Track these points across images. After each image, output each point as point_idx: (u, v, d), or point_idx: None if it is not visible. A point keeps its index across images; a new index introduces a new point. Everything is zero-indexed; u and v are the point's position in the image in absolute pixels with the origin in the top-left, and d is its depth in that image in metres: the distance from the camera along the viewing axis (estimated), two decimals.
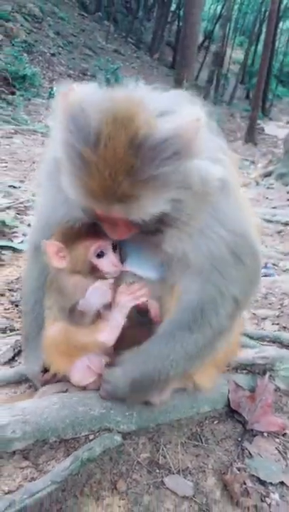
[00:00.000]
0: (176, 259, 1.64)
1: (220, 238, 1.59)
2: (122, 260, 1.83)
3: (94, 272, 1.79)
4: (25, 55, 18.24)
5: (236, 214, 1.66)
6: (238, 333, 1.99)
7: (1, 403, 1.85)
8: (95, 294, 1.77)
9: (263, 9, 35.62)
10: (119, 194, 1.32)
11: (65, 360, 1.79)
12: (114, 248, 1.81)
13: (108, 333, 1.74)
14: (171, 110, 1.36)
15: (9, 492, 1.50)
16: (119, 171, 1.28)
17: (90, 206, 1.43)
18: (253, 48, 40.24)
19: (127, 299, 1.78)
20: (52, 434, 1.69)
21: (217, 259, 1.61)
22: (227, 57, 39.57)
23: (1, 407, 1.67)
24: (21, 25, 21.06)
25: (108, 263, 1.77)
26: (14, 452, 1.65)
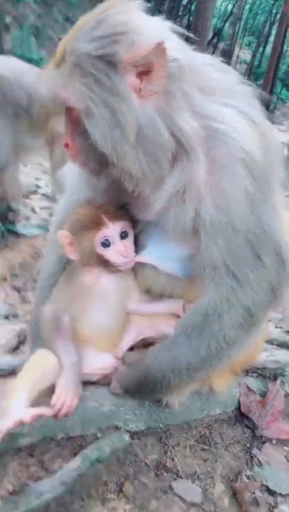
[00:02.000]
0: (198, 251, 1.47)
1: (235, 225, 1.39)
2: (138, 250, 1.70)
3: (104, 264, 1.69)
4: (33, 38, 17.95)
5: (262, 202, 1.42)
6: (260, 339, 1.88)
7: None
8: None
9: (274, 11, 35.39)
10: (56, 60, 1.32)
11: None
12: (123, 236, 1.68)
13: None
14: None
15: (14, 492, 1.42)
16: (65, 39, 1.30)
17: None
18: (261, 49, 40.07)
19: (141, 331, 1.72)
20: (60, 430, 1.61)
21: (231, 253, 1.42)
22: (234, 56, 39.39)
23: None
24: (31, 8, 20.73)
25: (115, 253, 1.65)
26: (19, 449, 1.56)
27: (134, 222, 1.70)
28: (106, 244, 1.64)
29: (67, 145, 1.43)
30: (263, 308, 1.54)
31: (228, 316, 1.49)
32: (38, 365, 1.59)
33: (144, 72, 1.24)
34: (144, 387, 1.64)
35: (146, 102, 1.28)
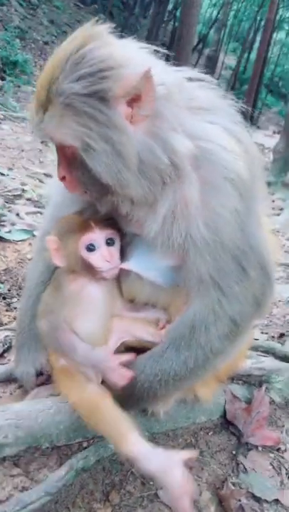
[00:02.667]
0: (184, 264, 1.50)
1: (224, 242, 1.41)
2: (124, 258, 1.70)
3: (89, 270, 1.67)
4: (17, 40, 17.84)
5: (248, 218, 1.46)
6: (244, 347, 1.90)
7: None
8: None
9: (258, 18, 35.83)
10: (41, 102, 1.29)
11: None
12: (109, 243, 1.67)
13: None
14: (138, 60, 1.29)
15: None
16: (47, 79, 1.27)
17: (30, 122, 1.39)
18: (245, 55, 40.53)
19: (120, 335, 1.69)
20: (45, 440, 1.59)
21: (218, 268, 1.45)
22: (220, 62, 39.74)
23: None
24: (16, 10, 20.62)
25: (99, 257, 1.63)
26: (4, 458, 1.54)
27: (120, 233, 1.70)
28: (91, 248, 1.62)
29: (63, 178, 1.44)
30: (248, 319, 1.58)
31: (215, 327, 1.51)
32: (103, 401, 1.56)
33: (134, 99, 1.26)
34: (130, 397, 1.64)
35: (139, 127, 1.30)
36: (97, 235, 1.62)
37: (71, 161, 1.38)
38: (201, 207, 1.38)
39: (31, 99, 1.37)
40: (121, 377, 1.58)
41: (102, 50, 1.25)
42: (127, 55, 1.28)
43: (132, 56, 1.30)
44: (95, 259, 1.63)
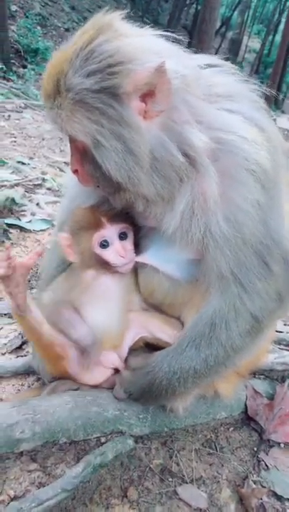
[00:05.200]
0: (203, 259, 1.45)
1: (245, 237, 1.35)
2: (140, 252, 1.67)
3: (103, 265, 1.66)
4: (38, 28, 17.85)
5: (271, 210, 1.39)
6: (266, 342, 1.84)
7: (9, 398, 1.74)
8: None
9: None
10: (49, 92, 1.26)
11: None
12: (123, 237, 1.65)
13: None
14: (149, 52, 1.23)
15: (15, 497, 1.39)
16: (55, 71, 1.23)
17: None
18: (270, 37, 39.50)
19: (138, 330, 1.69)
20: (62, 435, 1.57)
21: (239, 263, 1.39)
22: (243, 45, 38.87)
23: (10, 404, 1.55)
24: None
25: (113, 253, 1.62)
26: (22, 453, 1.53)
27: (135, 225, 1.67)
28: (104, 245, 1.62)
29: (76, 171, 1.41)
30: (271, 315, 1.51)
31: (236, 324, 1.46)
32: None
33: (148, 94, 1.21)
34: (148, 394, 1.61)
35: (153, 123, 1.25)
36: (110, 231, 1.61)
37: (83, 155, 1.34)
38: (221, 201, 1.32)
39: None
40: (100, 374, 1.72)
41: (111, 43, 1.20)
42: (140, 47, 1.22)
43: (145, 48, 1.24)
44: (109, 255, 1.62)
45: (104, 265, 1.64)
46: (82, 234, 1.61)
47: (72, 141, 1.35)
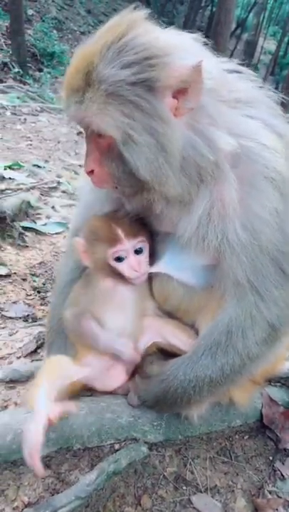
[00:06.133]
0: (219, 266, 1.43)
1: (262, 245, 1.34)
2: (154, 261, 1.66)
3: (117, 276, 1.66)
4: (54, 31, 17.98)
5: (288, 218, 1.38)
6: (283, 350, 1.81)
7: (24, 403, 1.74)
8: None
9: None
10: (76, 87, 1.21)
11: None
12: (138, 251, 1.64)
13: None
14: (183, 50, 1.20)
15: (29, 504, 1.39)
16: (83, 65, 1.20)
17: (63, 105, 1.30)
18: (286, 39, 39.22)
19: (152, 335, 1.68)
20: (76, 441, 1.57)
21: (256, 271, 1.37)
22: (259, 47, 38.65)
23: (25, 410, 1.55)
24: (53, 1, 20.75)
25: (128, 268, 1.62)
26: None
27: (151, 234, 1.66)
28: (119, 259, 1.62)
29: (91, 172, 1.36)
30: (287, 324, 1.49)
31: (252, 332, 1.44)
32: (56, 364, 1.63)
33: (181, 91, 1.19)
34: (163, 402, 1.59)
35: (181, 121, 1.23)
36: (126, 246, 1.60)
37: (104, 153, 1.30)
38: (239, 208, 1.31)
39: (62, 84, 1.30)
40: (115, 379, 1.71)
41: (144, 37, 1.18)
42: (172, 44, 1.21)
43: (178, 45, 1.22)
44: (124, 268, 1.63)
45: (118, 275, 1.65)
46: (98, 244, 1.62)
47: (94, 138, 1.31)
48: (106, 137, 1.24)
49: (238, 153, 1.28)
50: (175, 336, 1.68)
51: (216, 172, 1.29)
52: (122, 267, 1.62)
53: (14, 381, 1.91)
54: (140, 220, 1.60)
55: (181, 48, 1.21)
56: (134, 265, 1.61)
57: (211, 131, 1.25)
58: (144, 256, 1.66)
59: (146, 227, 1.65)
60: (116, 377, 1.70)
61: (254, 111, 1.35)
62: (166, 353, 1.73)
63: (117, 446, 1.66)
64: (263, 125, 1.32)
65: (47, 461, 1.55)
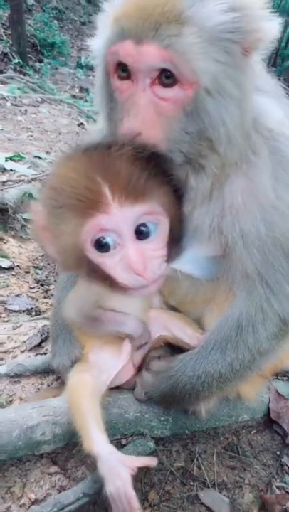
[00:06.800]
0: (227, 255, 1.37)
1: (276, 238, 1.28)
2: (178, 254, 1.50)
3: (103, 277, 1.09)
4: (55, 22, 17.78)
5: None
6: None
7: (29, 398, 1.72)
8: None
9: None
10: (152, 21, 1.03)
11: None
12: (142, 233, 1.04)
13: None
14: None
15: (36, 501, 1.37)
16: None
17: (119, 47, 1.09)
18: (288, 30, 38.81)
19: (158, 328, 1.59)
20: None
21: (267, 264, 1.32)
22: None
23: (30, 405, 1.53)
24: None
25: (121, 266, 1.02)
26: (42, 455, 1.51)
27: (180, 195, 1.29)
28: (103, 246, 0.99)
29: (139, 134, 1.09)
30: None
31: (263, 327, 1.41)
32: (83, 392, 1.46)
33: (254, 49, 1.12)
34: (170, 398, 1.57)
35: None
36: (116, 219, 0.96)
37: (168, 109, 1.10)
38: (261, 198, 1.26)
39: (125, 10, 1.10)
40: (123, 373, 1.57)
41: None
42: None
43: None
44: (111, 267, 1.02)
45: (103, 280, 1.06)
46: (65, 216, 0.99)
47: (156, 89, 1.10)
48: (187, 86, 1.06)
49: (266, 141, 1.24)
50: (181, 330, 1.64)
51: (254, 154, 1.22)
52: (108, 264, 1.00)
53: (19, 375, 1.89)
54: (159, 173, 1.12)
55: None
56: (134, 260, 1.00)
57: (265, 103, 1.22)
58: (156, 243, 1.07)
59: (169, 188, 1.16)
60: (124, 371, 1.67)
61: (274, 101, 1.30)
62: (172, 347, 1.70)
63: (123, 442, 1.64)
64: (285, 113, 1.28)
65: (53, 457, 1.53)
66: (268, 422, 1.97)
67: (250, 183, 1.25)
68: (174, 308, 1.71)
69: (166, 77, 1.07)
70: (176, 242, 1.16)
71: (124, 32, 1.07)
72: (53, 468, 1.49)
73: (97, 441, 1.31)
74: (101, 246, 0.99)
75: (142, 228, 1.04)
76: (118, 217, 0.96)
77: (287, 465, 1.84)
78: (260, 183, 1.24)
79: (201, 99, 1.07)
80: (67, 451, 1.55)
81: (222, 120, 1.11)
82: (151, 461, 1.40)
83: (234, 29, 1.05)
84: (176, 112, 1.10)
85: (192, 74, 1.04)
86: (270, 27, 1.08)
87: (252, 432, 1.93)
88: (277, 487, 1.74)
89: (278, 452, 1.88)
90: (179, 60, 1.03)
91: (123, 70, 1.13)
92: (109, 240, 0.99)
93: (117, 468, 1.24)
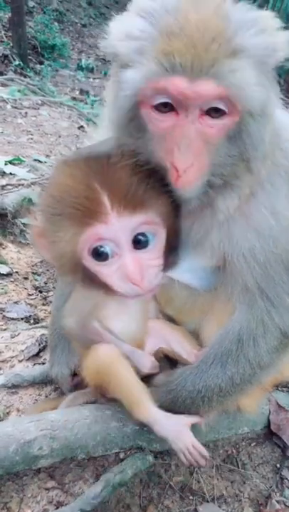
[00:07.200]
0: (226, 267, 1.36)
1: (276, 253, 1.27)
2: (174, 263, 1.47)
3: (99, 284, 1.11)
4: (56, 24, 17.77)
5: None
6: None
7: (27, 410, 1.70)
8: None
9: None
10: (209, 58, 0.99)
11: None
12: (140, 243, 1.06)
13: None
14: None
15: None
16: (206, 33, 0.99)
17: (169, 83, 1.01)
18: None
19: (157, 341, 1.58)
20: (81, 451, 1.52)
21: (267, 278, 1.31)
22: None
23: (28, 419, 1.50)
24: None
25: (118, 275, 1.04)
26: (39, 470, 1.49)
27: (178, 207, 1.23)
28: (101, 255, 1.02)
29: (191, 166, 1.07)
30: None
31: (264, 340, 1.40)
32: (121, 360, 1.44)
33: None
34: (170, 411, 1.55)
35: None
36: (114, 229, 0.98)
37: (213, 137, 1.08)
38: (256, 213, 1.25)
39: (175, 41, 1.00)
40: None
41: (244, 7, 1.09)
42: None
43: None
44: (108, 276, 1.05)
45: (101, 285, 1.09)
46: (62, 224, 1.00)
47: (204, 120, 1.06)
48: (236, 114, 1.05)
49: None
50: (179, 344, 1.60)
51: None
52: (105, 273, 1.03)
53: (16, 386, 1.87)
54: (157, 183, 1.08)
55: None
56: (131, 270, 1.02)
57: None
58: (153, 253, 1.09)
59: (167, 199, 1.11)
60: None
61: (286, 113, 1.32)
62: (171, 360, 1.68)
63: (122, 455, 1.62)
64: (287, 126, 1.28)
65: (50, 472, 1.51)
66: (268, 434, 1.95)
67: (250, 199, 1.25)
68: (170, 318, 1.69)
69: (216, 109, 1.05)
70: (172, 252, 1.18)
71: (176, 68, 1.00)
72: (51, 483, 1.47)
73: (150, 408, 1.42)
74: (99, 255, 1.02)
75: (140, 238, 1.05)
76: (116, 226, 0.98)
77: (287, 478, 1.82)
78: (274, 200, 1.25)
79: (245, 122, 1.07)
80: (64, 465, 1.53)
81: (262, 139, 1.12)
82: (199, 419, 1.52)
83: (271, 52, 1.06)
84: (221, 138, 1.09)
85: (245, 104, 1.04)
86: (287, 41, 1.07)
87: (252, 444, 1.91)
88: (277, 501, 1.72)
89: (278, 465, 1.86)
90: (236, 95, 1.02)
91: (165, 103, 1.07)
92: (107, 249, 1.02)
93: (178, 427, 1.43)
